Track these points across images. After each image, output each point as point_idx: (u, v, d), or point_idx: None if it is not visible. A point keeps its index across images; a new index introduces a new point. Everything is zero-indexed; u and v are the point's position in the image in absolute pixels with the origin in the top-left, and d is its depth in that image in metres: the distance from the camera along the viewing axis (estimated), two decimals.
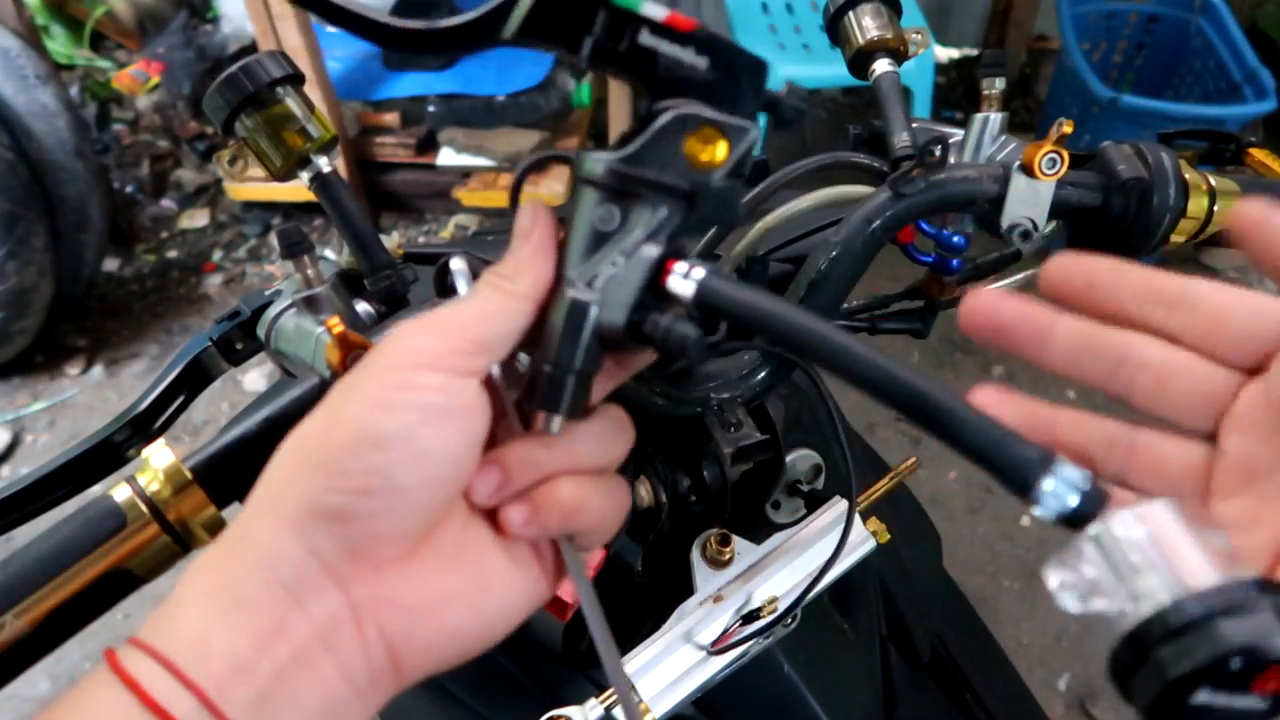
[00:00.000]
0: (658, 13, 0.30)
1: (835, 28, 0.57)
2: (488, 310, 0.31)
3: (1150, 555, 0.24)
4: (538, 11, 0.29)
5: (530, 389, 0.32)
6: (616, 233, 0.31)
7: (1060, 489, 0.26)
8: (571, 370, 0.31)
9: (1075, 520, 0.26)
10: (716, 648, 0.49)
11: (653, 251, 0.31)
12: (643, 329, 0.31)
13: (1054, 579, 0.26)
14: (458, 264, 0.34)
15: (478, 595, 0.32)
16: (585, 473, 0.33)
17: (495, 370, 0.33)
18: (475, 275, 0.34)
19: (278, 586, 0.29)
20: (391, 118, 2.32)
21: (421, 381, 0.30)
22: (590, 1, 0.30)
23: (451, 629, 0.31)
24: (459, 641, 0.32)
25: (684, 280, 0.30)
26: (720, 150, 0.31)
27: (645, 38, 0.30)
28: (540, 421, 0.32)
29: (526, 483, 0.32)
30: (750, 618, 0.50)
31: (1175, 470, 0.31)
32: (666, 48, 0.30)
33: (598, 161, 0.31)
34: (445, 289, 0.41)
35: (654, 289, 0.31)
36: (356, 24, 0.30)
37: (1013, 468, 0.27)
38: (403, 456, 0.29)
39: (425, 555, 0.31)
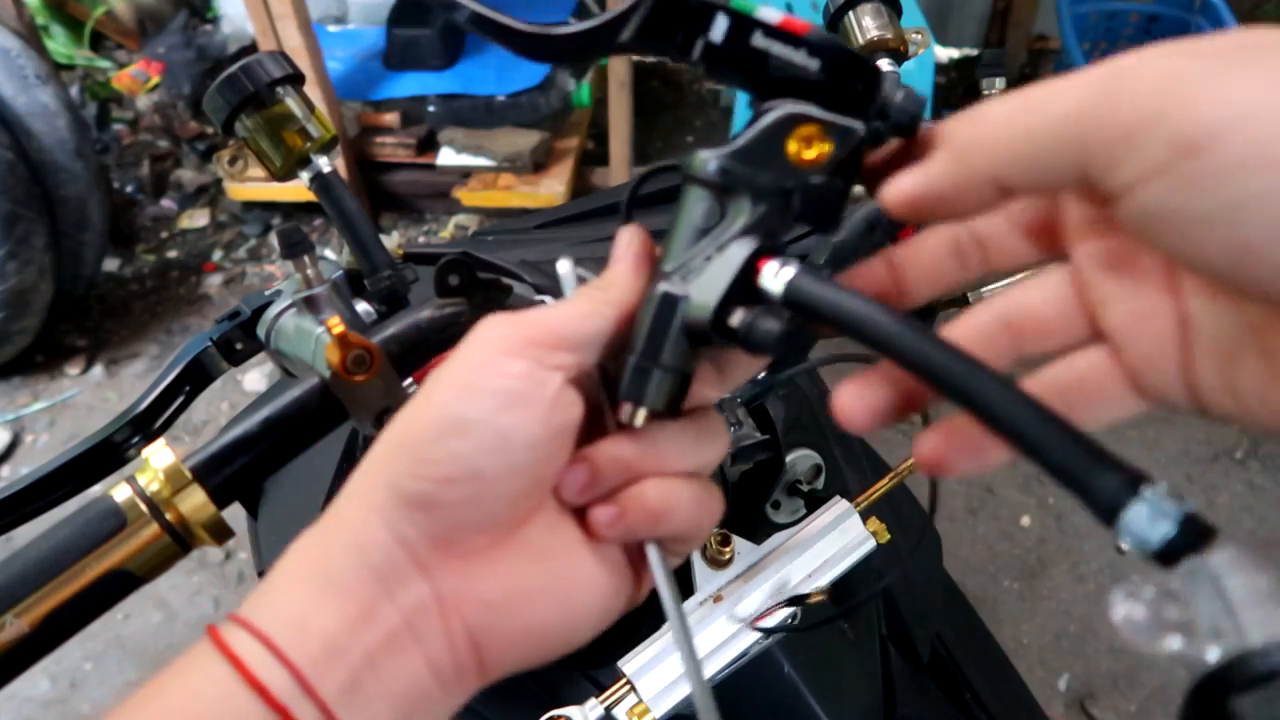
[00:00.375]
0: (773, 17, 0.30)
1: (835, 28, 0.57)
2: (575, 311, 0.32)
3: (1242, 596, 0.22)
4: (655, 16, 0.30)
5: (618, 380, 0.32)
6: (716, 228, 0.31)
7: (1150, 518, 0.23)
8: (657, 363, 0.31)
9: (1166, 555, 0.24)
10: (756, 624, 0.49)
11: (746, 247, 0.31)
12: (728, 323, 0.30)
13: (1122, 612, 0.23)
14: (564, 267, 0.35)
15: (564, 593, 0.32)
16: (675, 475, 0.33)
17: (588, 372, 0.33)
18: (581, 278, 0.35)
19: (368, 571, 0.29)
20: (391, 118, 2.32)
21: (504, 367, 0.30)
22: (706, 6, 0.30)
23: (537, 626, 0.31)
24: (544, 639, 0.32)
25: (774, 278, 0.30)
26: (823, 150, 0.31)
27: (758, 40, 0.30)
28: (624, 413, 0.32)
29: (615, 482, 0.32)
30: (796, 601, 0.50)
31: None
32: (778, 49, 0.30)
33: (707, 159, 0.31)
34: (447, 289, 0.41)
35: (746, 286, 0.31)
36: (492, 30, 0.31)
37: (1098, 491, 0.24)
38: (484, 443, 0.29)
39: (512, 549, 0.31)
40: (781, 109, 0.31)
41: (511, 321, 0.31)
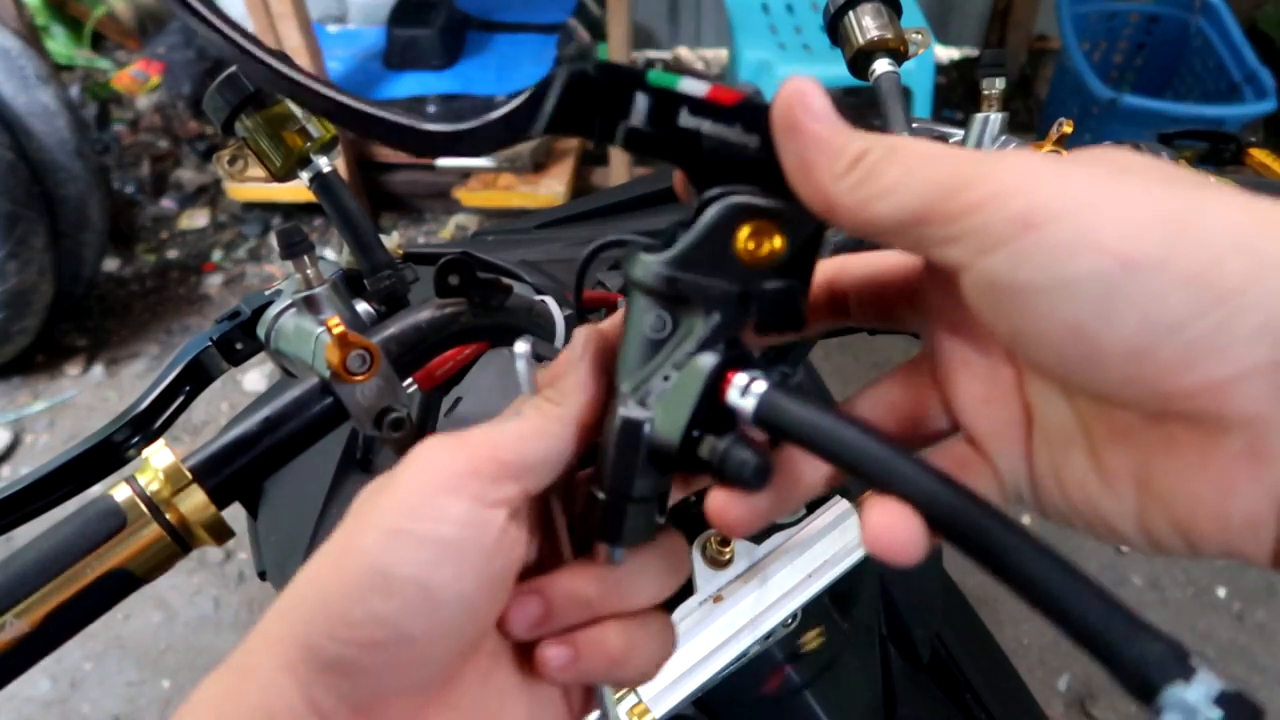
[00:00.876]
0: (698, 89, 0.27)
1: (835, 28, 0.57)
2: (525, 431, 0.29)
3: None
4: (567, 102, 0.27)
5: (587, 517, 0.30)
6: (668, 341, 0.28)
7: (1193, 700, 0.21)
8: (629, 497, 0.28)
9: None
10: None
11: (708, 362, 0.27)
12: (697, 453, 0.27)
13: None
14: (522, 350, 0.31)
15: None
16: (634, 614, 0.30)
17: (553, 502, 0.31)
18: (539, 358, 0.32)
19: None
20: None
21: (439, 510, 0.27)
22: (624, 85, 0.27)
23: None
24: None
25: (742, 397, 0.27)
26: (776, 242, 0.28)
27: (685, 119, 0.27)
28: (601, 555, 0.30)
29: (571, 621, 0.30)
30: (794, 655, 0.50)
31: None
32: (710, 128, 0.27)
33: (648, 265, 0.28)
34: (447, 289, 0.40)
35: (713, 404, 0.28)
36: (385, 132, 0.28)
37: (1133, 667, 0.22)
38: (413, 604, 0.26)
39: (440, 710, 0.28)
40: (723, 201, 0.27)
41: (452, 448, 0.28)
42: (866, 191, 0.25)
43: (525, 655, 0.30)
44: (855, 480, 0.27)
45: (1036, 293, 0.23)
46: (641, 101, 0.27)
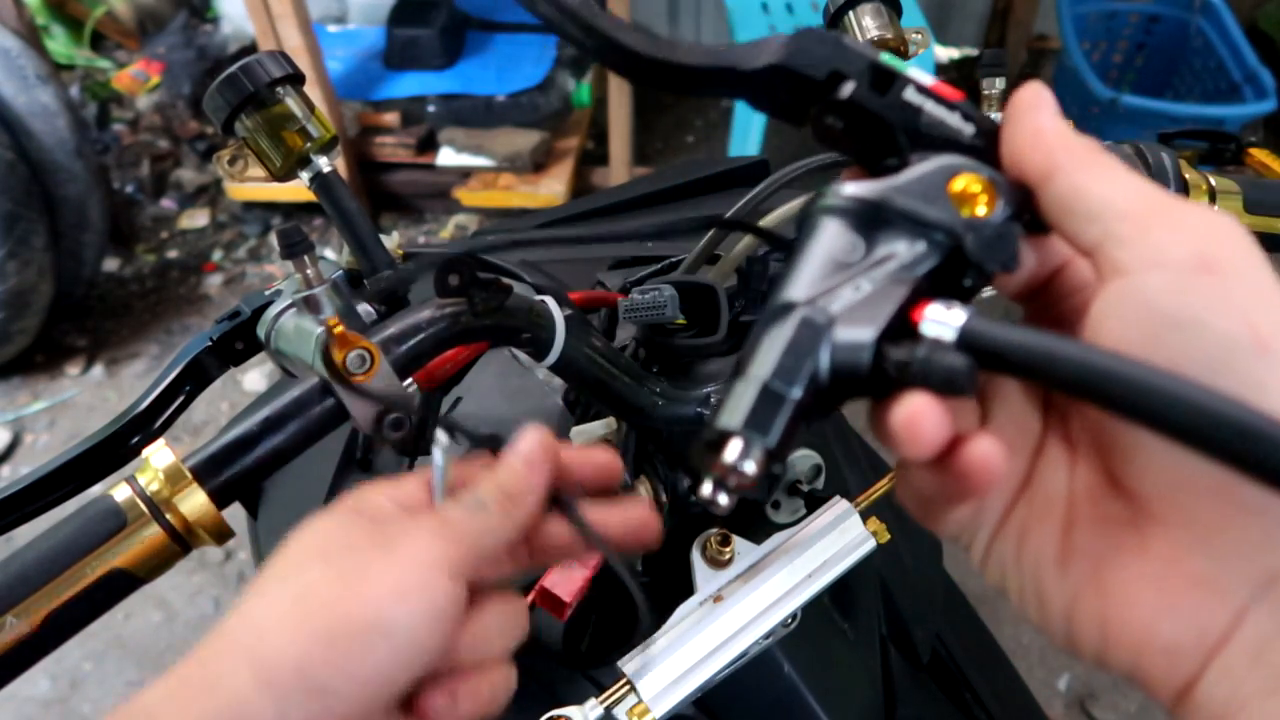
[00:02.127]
0: (924, 79, 0.30)
1: (835, 27, 0.57)
2: (492, 528, 0.33)
3: None
4: (803, 44, 0.29)
5: (724, 404, 0.27)
6: (860, 263, 0.28)
7: None
8: (789, 395, 0.26)
9: None
10: None
11: (905, 285, 0.27)
12: (894, 356, 0.26)
13: None
14: (441, 443, 0.35)
15: None
16: (489, 666, 0.34)
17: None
18: (451, 433, 0.35)
19: None
20: (391, 118, 2.32)
21: (439, 585, 0.31)
22: (859, 56, 0.29)
23: None
24: None
25: (942, 321, 0.26)
26: (988, 204, 0.28)
27: (911, 94, 0.29)
28: (731, 449, 0.26)
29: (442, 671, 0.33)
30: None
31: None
32: (931, 107, 0.29)
33: (860, 188, 0.29)
34: (447, 288, 0.40)
35: (903, 328, 0.27)
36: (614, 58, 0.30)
37: None
38: (404, 653, 0.30)
39: None
40: (943, 156, 0.29)
41: (443, 536, 0.32)
42: (1093, 168, 0.27)
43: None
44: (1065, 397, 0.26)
45: (1167, 324, 0.24)
46: (868, 73, 0.29)
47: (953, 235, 0.28)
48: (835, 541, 0.53)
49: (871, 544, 0.54)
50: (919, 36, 0.57)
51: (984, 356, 0.25)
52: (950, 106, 0.30)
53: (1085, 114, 2.13)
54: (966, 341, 0.26)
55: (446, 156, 2.30)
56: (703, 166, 0.85)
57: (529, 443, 0.35)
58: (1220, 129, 0.63)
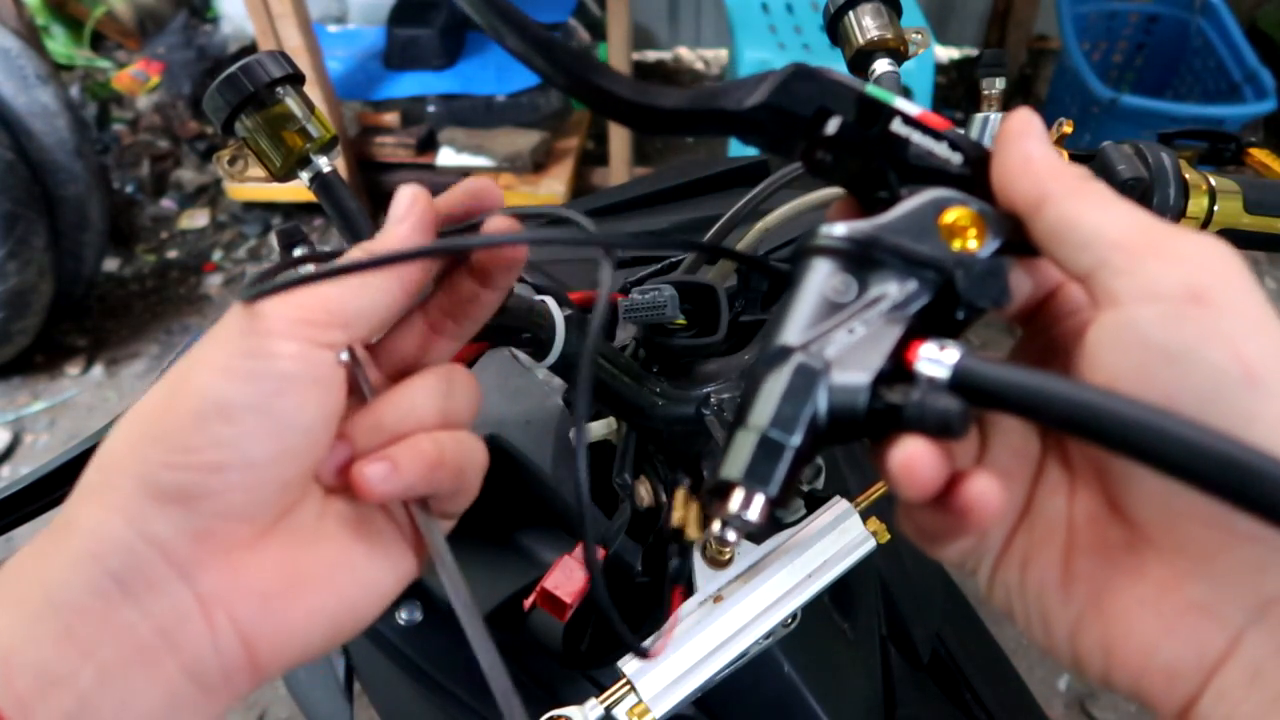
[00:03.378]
0: (910, 109, 0.30)
1: (835, 27, 0.57)
2: (351, 283, 0.30)
3: None
4: (789, 85, 0.29)
5: (728, 455, 0.27)
6: (852, 304, 0.28)
7: None
8: (788, 444, 0.26)
9: None
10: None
11: (899, 326, 0.28)
12: (888, 399, 0.26)
13: None
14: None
15: (341, 576, 0.30)
16: (436, 427, 0.32)
17: (358, 351, 0.31)
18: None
19: (106, 580, 0.25)
20: (391, 118, 2.32)
21: (275, 349, 0.28)
22: (845, 92, 0.29)
23: (315, 613, 0.29)
24: (324, 627, 0.29)
25: (935, 362, 0.26)
26: (977, 238, 0.29)
27: (898, 126, 0.29)
28: (734, 501, 0.26)
29: (371, 446, 0.31)
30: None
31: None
32: (919, 138, 0.30)
33: (850, 228, 0.29)
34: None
35: (896, 370, 0.27)
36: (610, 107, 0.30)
37: None
38: (255, 428, 0.27)
39: (281, 536, 0.29)
40: (932, 191, 0.29)
41: (280, 299, 0.29)
42: (1084, 197, 0.27)
43: (353, 501, 0.31)
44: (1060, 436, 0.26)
45: (1160, 357, 0.24)
46: (857, 106, 0.29)
47: (943, 272, 0.28)
48: (835, 541, 0.53)
49: (871, 544, 0.54)
50: (919, 36, 0.57)
51: (977, 396, 0.26)
52: (937, 136, 0.30)
53: (1085, 114, 2.13)
54: (959, 381, 0.26)
55: (446, 156, 2.30)
56: (703, 166, 0.85)
57: (397, 199, 0.32)
58: (1220, 129, 0.63)
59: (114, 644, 0.25)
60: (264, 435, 0.27)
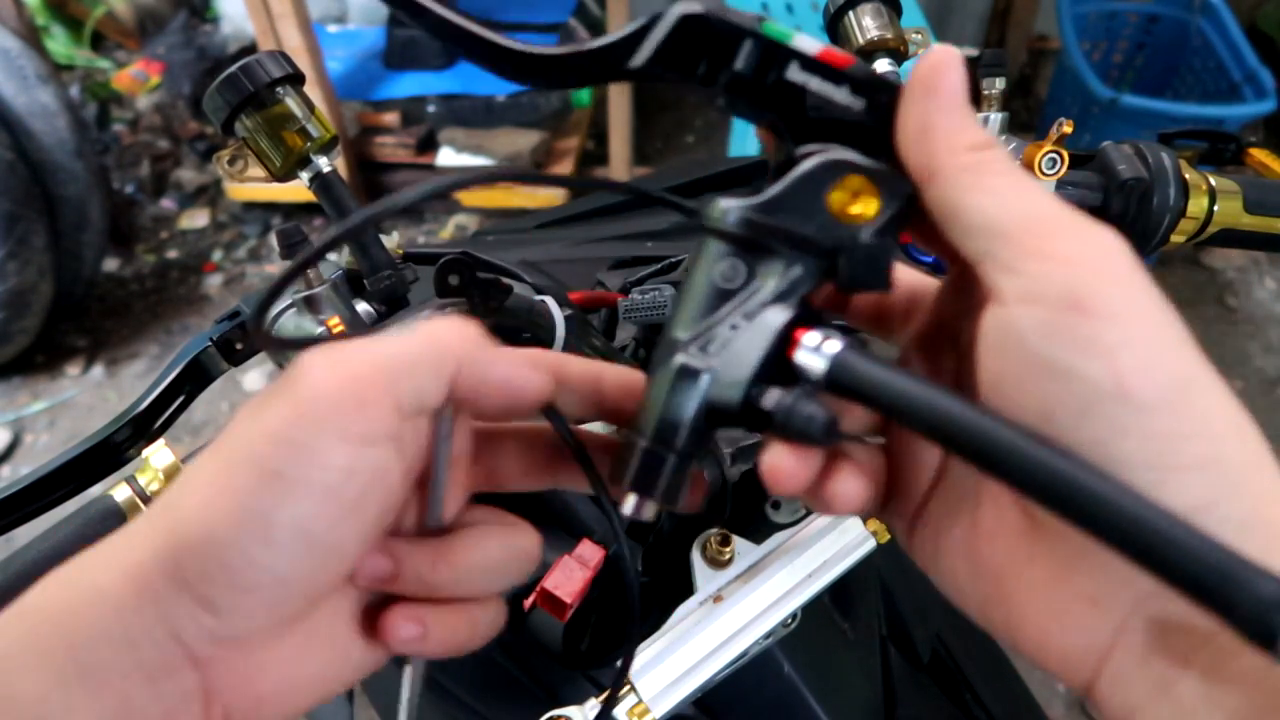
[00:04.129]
0: (811, 47, 0.27)
1: (835, 28, 0.57)
2: (417, 351, 0.27)
3: None
4: (676, 39, 0.27)
5: (619, 464, 0.28)
6: (740, 291, 0.27)
7: None
8: (672, 448, 0.27)
9: None
10: None
11: (780, 316, 0.27)
12: (761, 404, 0.26)
13: None
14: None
15: (332, 678, 0.29)
16: (476, 601, 0.30)
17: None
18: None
19: (133, 665, 0.25)
20: (391, 118, 2.32)
21: (324, 457, 0.25)
22: (736, 32, 0.27)
23: (297, 708, 0.29)
24: (297, 715, 0.29)
25: (814, 354, 0.26)
26: (870, 205, 0.27)
27: (794, 73, 0.27)
28: (628, 505, 0.28)
29: (410, 594, 0.30)
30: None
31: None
32: (817, 85, 0.27)
33: (728, 210, 0.27)
34: (447, 289, 0.40)
35: (779, 360, 0.27)
36: (479, 49, 0.27)
37: (1248, 607, 0.20)
38: (291, 550, 0.26)
39: (295, 638, 0.28)
40: (822, 156, 0.27)
41: (338, 375, 0.26)
42: (974, 177, 0.26)
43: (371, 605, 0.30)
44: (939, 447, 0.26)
45: (1037, 367, 0.24)
46: (751, 50, 0.27)
47: (825, 256, 0.27)
48: (835, 541, 0.53)
49: (871, 544, 0.54)
50: (919, 36, 0.57)
51: (851, 392, 0.25)
52: (838, 79, 0.27)
53: (1085, 114, 2.13)
54: (834, 376, 0.26)
55: (446, 156, 2.30)
56: (703, 166, 0.85)
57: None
58: (1220, 129, 0.63)
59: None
60: (301, 555, 0.26)
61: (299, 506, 0.25)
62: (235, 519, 0.25)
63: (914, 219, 0.28)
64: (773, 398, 0.26)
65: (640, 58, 0.27)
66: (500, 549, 0.30)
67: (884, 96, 0.27)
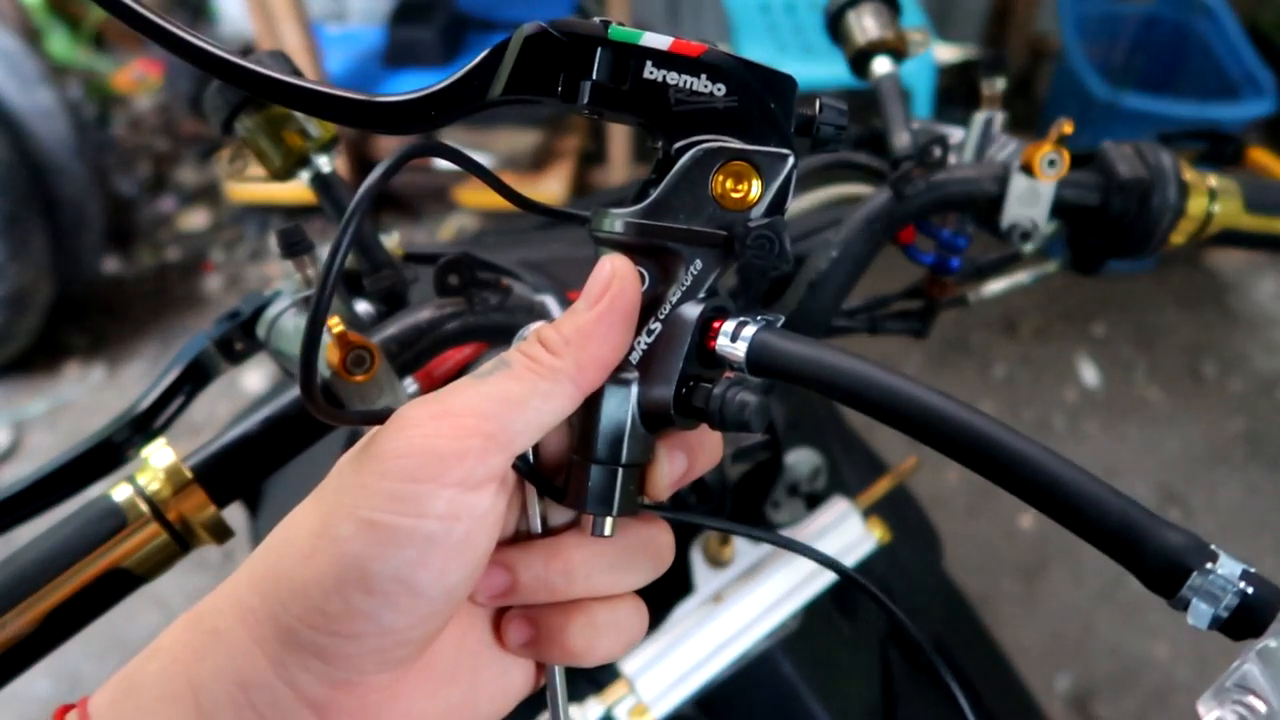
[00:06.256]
0: (660, 42, 0.27)
1: (836, 28, 0.57)
2: (512, 394, 0.27)
3: None
4: (527, 61, 0.27)
5: (569, 486, 0.29)
6: (648, 294, 0.28)
7: (1215, 588, 0.21)
8: (619, 462, 0.28)
9: (1236, 628, 0.21)
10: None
11: (691, 312, 0.27)
12: (693, 403, 0.27)
13: (1211, 716, 0.20)
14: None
15: (468, 710, 0.29)
16: (602, 600, 0.30)
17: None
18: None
19: (249, 710, 0.25)
20: None
21: (425, 506, 0.25)
22: (586, 42, 0.27)
23: None
24: None
25: (732, 342, 0.27)
26: (754, 185, 0.27)
27: (650, 70, 0.27)
28: (591, 527, 0.29)
29: (535, 600, 0.29)
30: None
31: None
32: (675, 78, 0.27)
33: (615, 218, 0.28)
34: (447, 288, 0.40)
35: (701, 354, 0.27)
36: (332, 108, 0.28)
37: (1152, 558, 0.21)
38: (394, 599, 0.25)
39: (416, 679, 0.28)
40: (697, 147, 0.27)
41: (436, 423, 0.26)
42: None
43: (498, 617, 0.30)
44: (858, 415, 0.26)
45: None
46: (605, 57, 0.27)
47: (725, 243, 0.27)
48: (835, 541, 0.54)
49: (872, 544, 0.54)
50: (919, 37, 0.57)
51: (773, 371, 0.26)
52: (695, 67, 0.27)
53: (1085, 114, 2.13)
54: (755, 359, 0.26)
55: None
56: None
57: (600, 271, 0.28)
58: (1220, 129, 0.63)
59: None
60: (404, 604, 0.25)
61: (399, 555, 0.25)
62: (335, 569, 0.25)
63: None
64: (702, 394, 0.27)
65: (497, 88, 0.27)
66: (619, 543, 0.30)
67: (743, 76, 0.27)
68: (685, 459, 0.29)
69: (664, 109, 0.27)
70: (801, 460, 0.58)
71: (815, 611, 0.58)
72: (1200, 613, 0.21)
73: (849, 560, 0.53)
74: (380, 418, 0.27)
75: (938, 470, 1.86)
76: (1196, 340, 2.09)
